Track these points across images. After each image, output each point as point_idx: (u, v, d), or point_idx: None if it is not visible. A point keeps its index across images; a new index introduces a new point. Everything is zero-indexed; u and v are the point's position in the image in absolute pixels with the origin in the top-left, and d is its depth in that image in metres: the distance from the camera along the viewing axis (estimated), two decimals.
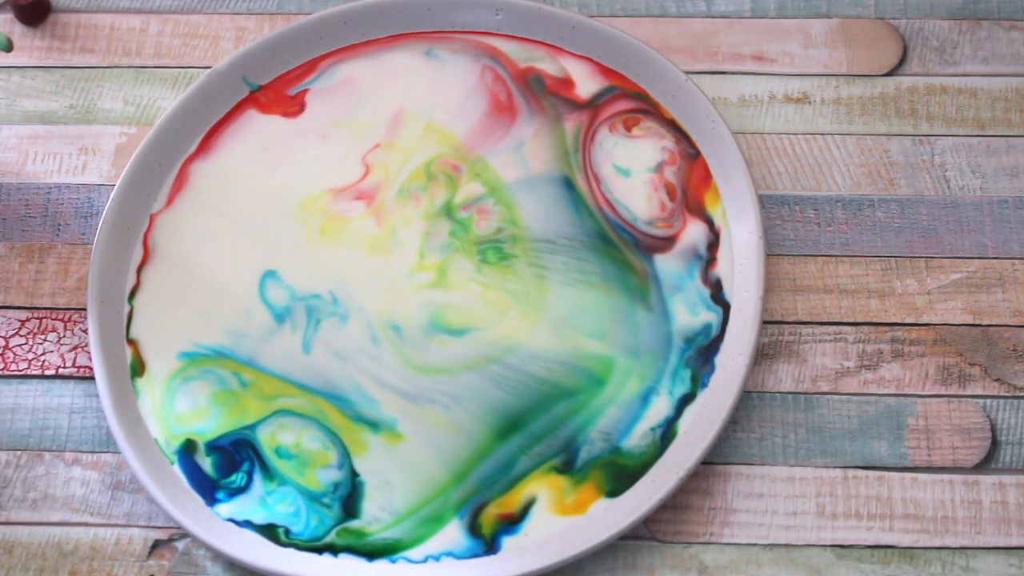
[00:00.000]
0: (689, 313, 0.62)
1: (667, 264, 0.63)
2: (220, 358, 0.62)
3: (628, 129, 0.66)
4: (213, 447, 0.60)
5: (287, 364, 0.62)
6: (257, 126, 0.67)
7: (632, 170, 0.65)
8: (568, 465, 0.60)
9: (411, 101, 0.67)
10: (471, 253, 0.64)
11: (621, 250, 0.64)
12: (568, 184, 0.65)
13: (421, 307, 0.63)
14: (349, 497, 0.59)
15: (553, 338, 0.62)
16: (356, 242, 0.64)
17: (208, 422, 0.60)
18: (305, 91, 0.67)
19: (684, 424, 0.60)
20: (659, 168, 0.65)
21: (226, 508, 0.59)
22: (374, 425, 0.60)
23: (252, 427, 0.60)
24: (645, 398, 0.61)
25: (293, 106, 0.67)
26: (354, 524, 0.59)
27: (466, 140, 0.66)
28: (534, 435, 0.60)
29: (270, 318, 0.62)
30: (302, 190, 0.65)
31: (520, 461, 0.60)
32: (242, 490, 0.59)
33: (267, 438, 0.60)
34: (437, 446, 0.60)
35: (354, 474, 0.59)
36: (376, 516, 0.59)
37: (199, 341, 0.62)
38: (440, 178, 0.66)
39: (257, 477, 0.59)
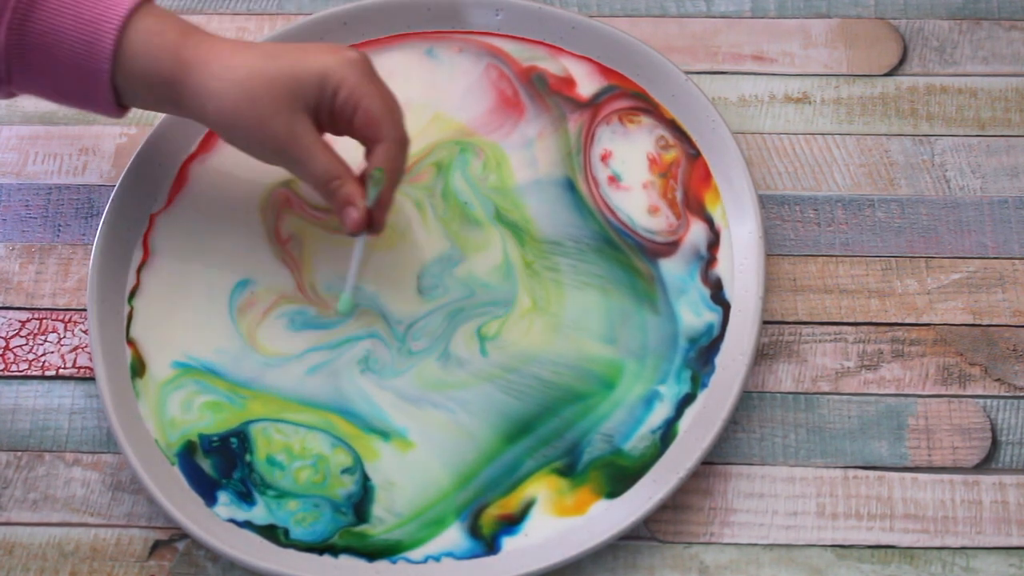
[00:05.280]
0: (693, 314, 0.62)
1: (671, 267, 0.63)
2: (212, 375, 0.61)
3: (623, 122, 0.66)
4: (209, 448, 0.60)
5: (289, 384, 0.61)
6: None
7: (628, 175, 0.65)
8: (570, 468, 0.59)
9: (416, 96, 0.67)
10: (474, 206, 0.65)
11: (626, 254, 0.64)
12: (571, 187, 0.65)
13: (442, 240, 0.63)
14: (361, 502, 0.59)
15: (564, 342, 0.62)
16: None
17: (201, 425, 0.60)
18: None
19: (684, 424, 0.60)
20: (666, 174, 0.65)
21: (228, 511, 0.59)
22: (384, 434, 0.60)
23: (247, 423, 0.60)
24: (650, 401, 0.61)
25: None
26: (358, 527, 0.58)
27: (475, 130, 0.66)
28: (541, 438, 0.60)
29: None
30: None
31: (525, 464, 0.60)
32: (248, 498, 0.59)
33: (258, 433, 0.60)
34: (445, 451, 0.60)
35: (366, 478, 0.59)
36: (380, 518, 0.59)
37: (191, 353, 0.62)
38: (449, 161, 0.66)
39: (255, 482, 0.59)
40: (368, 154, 0.58)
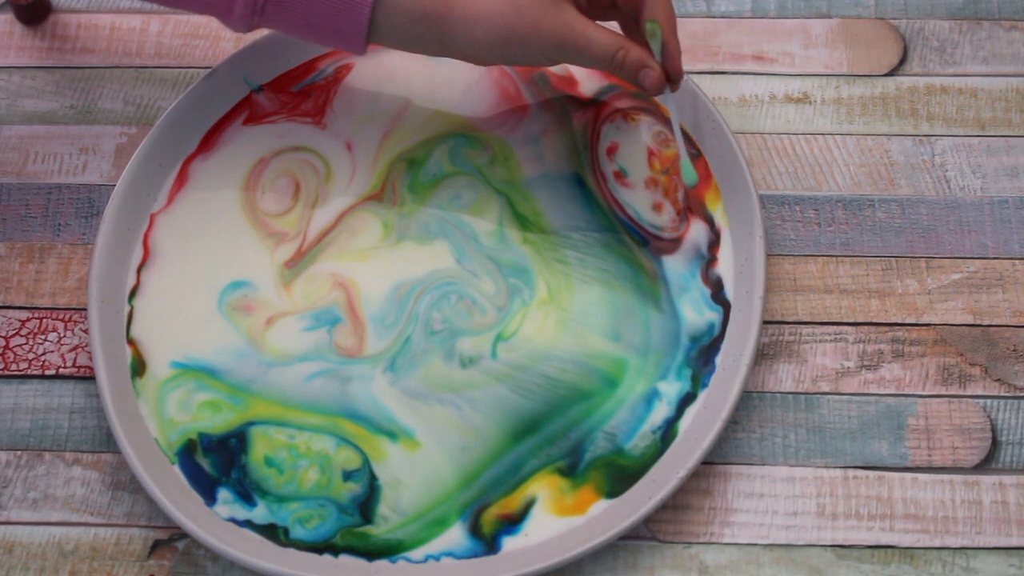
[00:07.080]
0: (695, 313, 0.62)
1: (674, 265, 0.63)
2: (211, 376, 0.61)
3: (625, 119, 0.66)
4: (208, 447, 0.60)
5: (291, 386, 0.61)
6: (258, 125, 0.67)
7: (632, 170, 0.65)
8: (572, 467, 0.59)
9: (418, 94, 0.67)
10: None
11: (632, 250, 0.64)
12: (579, 182, 0.65)
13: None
14: (367, 501, 0.59)
15: (570, 338, 0.62)
16: (367, 236, 0.64)
17: (200, 424, 0.60)
18: (306, 90, 0.67)
19: (684, 424, 0.60)
20: (668, 171, 0.65)
21: (228, 510, 0.59)
22: (392, 434, 0.60)
23: (248, 424, 0.60)
24: (651, 399, 0.61)
25: (293, 106, 0.67)
26: (362, 527, 0.58)
27: (480, 126, 0.66)
28: (547, 437, 0.60)
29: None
30: None
31: (529, 463, 0.60)
32: (248, 499, 0.59)
33: (258, 434, 0.60)
34: (452, 449, 0.60)
35: (373, 478, 0.59)
36: (385, 517, 0.59)
37: (191, 353, 0.62)
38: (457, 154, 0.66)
39: (251, 485, 0.59)
40: (628, 29, 0.61)
